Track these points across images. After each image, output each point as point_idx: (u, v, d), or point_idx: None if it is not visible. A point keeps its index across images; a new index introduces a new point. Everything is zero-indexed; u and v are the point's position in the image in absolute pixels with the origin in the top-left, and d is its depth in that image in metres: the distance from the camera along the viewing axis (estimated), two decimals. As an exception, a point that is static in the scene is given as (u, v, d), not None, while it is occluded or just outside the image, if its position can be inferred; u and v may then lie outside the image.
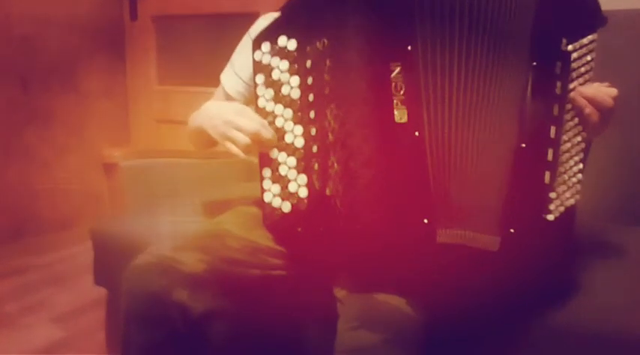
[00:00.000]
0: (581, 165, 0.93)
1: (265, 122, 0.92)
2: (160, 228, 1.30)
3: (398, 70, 0.87)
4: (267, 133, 0.91)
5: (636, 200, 1.34)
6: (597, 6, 0.93)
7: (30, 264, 2.28)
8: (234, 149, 0.94)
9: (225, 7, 2.40)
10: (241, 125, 0.92)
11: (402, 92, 0.87)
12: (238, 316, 1.01)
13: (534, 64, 0.89)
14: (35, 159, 2.45)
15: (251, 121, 0.92)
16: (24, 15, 2.34)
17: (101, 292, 1.48)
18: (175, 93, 2.58)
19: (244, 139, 0.92)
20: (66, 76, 2.52)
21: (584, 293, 0.99)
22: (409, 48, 0.87)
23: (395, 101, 0.87)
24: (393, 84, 0.87)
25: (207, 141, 1.07)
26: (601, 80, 0.95)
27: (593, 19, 0.92)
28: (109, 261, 1.38)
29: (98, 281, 1.44)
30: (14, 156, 2.38)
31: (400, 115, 0.87)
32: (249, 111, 0.95)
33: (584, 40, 0.91)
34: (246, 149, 0.93)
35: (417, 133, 0.87)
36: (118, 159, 1.53)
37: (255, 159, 0.94)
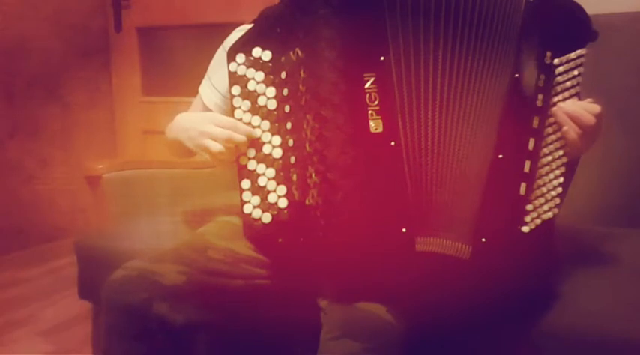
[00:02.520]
0: (562, 179, 0.91)
1: (236, 121, 0.92)
2: (141, 240, 1.30)
3: (372, 80, 0.87)
4: (239, 136, 0.91)
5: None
6: (587, 21, 0.92)
7: (16, 278, 2.26)
8: (213, 158, 0.95)
9: (209, 18, 2.41)
10: (214, 133, 0.93)
11: (376, 102, 0.87)
12: (220, 327, 1.01)
13: (516, 75, 0.89)
14: (20, 172, 2.44)
15: (222, 128, 0.92)
16: (7, 27, 2.34)
17: (88, 305, 1.47)
18: (161, 103, 2.57)
19: (218, 147, 0.92)
20: (51, 88, 2.51)
21: (566, 300, 0.99)
22: (382, 59, 0.88)
23: (370, 111, 0.87)
24: (368, 94, 0.87)
25: (186, 152, 1.07)
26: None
27: (582, 34, 0.91)
28: (93, 275, 1.36)
29: (82, 295, 1.43)
30: (-2, 169, 2.38)
31: (376, 125, 0.87)
32: (219, 116, 0.95)
33: (572, 55, 0.90)
34: (221, 156, 0.93)
35: (393, 143, 0.88)
36: (102, 171, 1.52)
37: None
